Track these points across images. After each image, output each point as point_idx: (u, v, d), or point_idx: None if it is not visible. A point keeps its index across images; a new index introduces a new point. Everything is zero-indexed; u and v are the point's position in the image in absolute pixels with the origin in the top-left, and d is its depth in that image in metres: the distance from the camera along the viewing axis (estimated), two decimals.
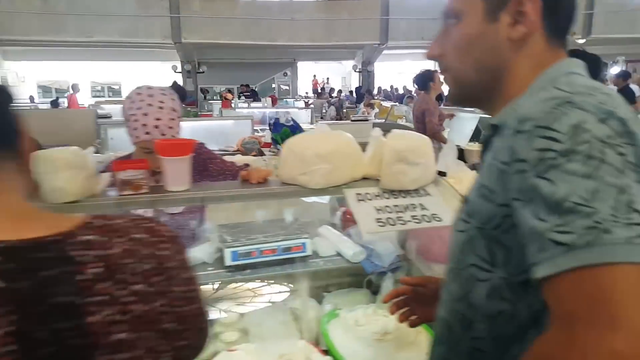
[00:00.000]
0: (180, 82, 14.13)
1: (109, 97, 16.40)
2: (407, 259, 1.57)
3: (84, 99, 14.22)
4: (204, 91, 13.68)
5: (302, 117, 7.38)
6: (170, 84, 2.47)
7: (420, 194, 1.33)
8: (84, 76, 16.65)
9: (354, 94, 13.34)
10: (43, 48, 13.08)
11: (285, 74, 16.88)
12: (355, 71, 16.06)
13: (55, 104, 9.78)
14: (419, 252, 1.53)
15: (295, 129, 3.11)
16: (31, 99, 11.63)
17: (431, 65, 5.47)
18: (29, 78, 16.63)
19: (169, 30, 11.37)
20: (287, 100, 13.88)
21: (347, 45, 13.72)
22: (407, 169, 1.29)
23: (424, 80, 4.63)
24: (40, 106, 11.31)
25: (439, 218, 1.27)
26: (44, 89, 16.69)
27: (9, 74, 15.84)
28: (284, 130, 3.09)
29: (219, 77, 15.56)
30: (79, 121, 5.52)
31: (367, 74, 15.35)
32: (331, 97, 13.78)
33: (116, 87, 17.22)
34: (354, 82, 16.20)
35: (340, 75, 19.46)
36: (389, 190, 1.31)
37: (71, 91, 11.48)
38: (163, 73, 14.74)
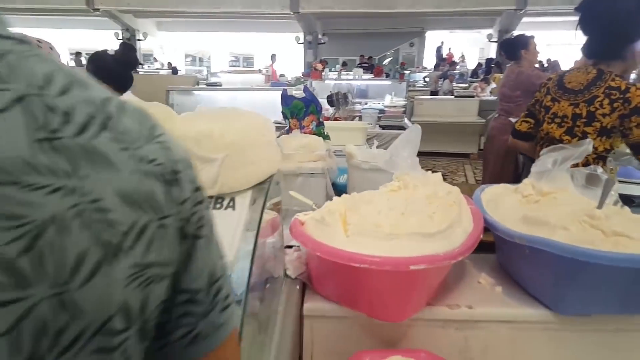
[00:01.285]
0: (301, 53, 14.27)
1: (244, 67, 17.27)
2: None
3: (223, 68, 15.25)
4: (324, 62, 13.52)
5: (391, 90, 6.74)
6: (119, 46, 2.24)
7: (219, 205, 0.84)
8: (223, 47, 17.80)
9: (483, 67, 11.96)
10: (189, 20, 14.11)
11: (411, 45, 15.84)
12: (489, 41, 14.34)
13: (175, 71, 10.44)
14: None
15: (309, 102, 2.66)
16: (169, 65, 12.62)
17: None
18: (179, 48, 18.32)
19: (288, 0, 11.29)
20: (408, 72, 13.06)
21: (478, 12, 12.22)
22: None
23: (514, 47, 3.69)
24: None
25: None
26: (191, 58, 18.25)
27: (164, 43, 17.61)
28: (294, 104, 2.67)
29: (341, 48, 15.26)
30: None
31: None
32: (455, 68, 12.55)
33: (250, 58, 18.07)
34: (493, 54, 14.53)
35: (479, 46, 17.65)
36: None
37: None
38: (288, 44, 15.00)
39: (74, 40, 16.20)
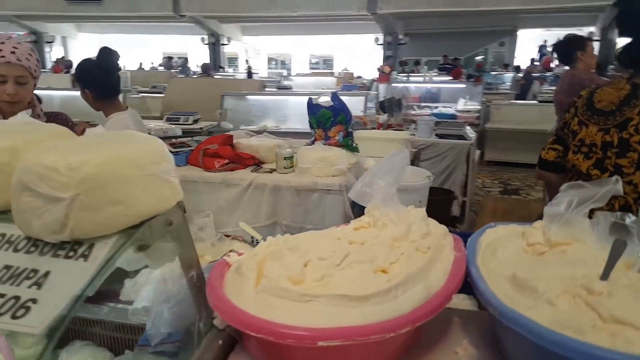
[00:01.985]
0: (380, 54, 13.98)
1: (324, 69, 17.37)
2: None
3: (303, 71, 15.47)
4: (403, 63, 13.13)
5: (466, 93, 6.29)
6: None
7: (72, 254, 0.72)
8: (303, 49, 18.06)
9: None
10: (270, 24, 14.50)
11: (501, 44, 14.88)
12: (590, 41, 12.98)
13: (249, 75, 10.70)
14: None
15: (338, 111, 2.49)
16: (249, 69, 12.99)
17: None
18: (262, 51, 18.94)
19: (365, 1, 11.11)
20: (494, 72, 12.23)
21: (575, 8, 11.11)
22: (38, 204, 0.71)
23: (568, 48, 3.23)
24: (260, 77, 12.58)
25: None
26: (271, 61, 18.76)
27: (248, 47, 18.28)
28: (322, 113, 2.51)
29: (423, 49, 14.74)
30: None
31: (607, 44, 12.22)
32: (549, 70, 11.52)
33: (330, 60, 18.15)
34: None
35: None
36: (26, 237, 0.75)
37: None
38: (367, 45, 14.78)
39: (167, 44, 17.40)
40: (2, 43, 1.55)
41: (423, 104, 6.64)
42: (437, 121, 4.16)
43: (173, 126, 3.26)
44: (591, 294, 0.78)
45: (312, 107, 2.47)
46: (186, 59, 13.96)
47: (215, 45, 14.12)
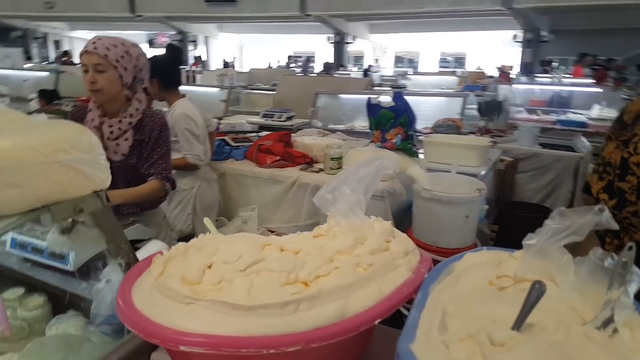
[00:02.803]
0: (518, 53, 12.94)
1: (455, 67, 16.70)
2: None
3: (431, 69, 15.05)
4: (545, 63, 11.98)
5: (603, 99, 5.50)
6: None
7: None
8: (433, 47, 17.55)
9: None
10: (399, 21, 14.39)
11: None
12: None
13: (366, 73, 10.70)
14: None
15: (401, 112, 2.40)
16: (369, 67, 13.03)
17: None
18: (389, 49, 18.85)
19: None
20: None
21: None
22: None
23: None
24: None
25: None
26: (397, 59, 18.56)
27: (375, 45, 18.35)
28: (382, 114, 2.44)
29: (571, 47, 13.28)
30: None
31: None
32: None
33: (462, 57, 17.36)
34: None
35: None
36: None
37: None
38: (504, 43, 13.80)
39: (296, 44, 18.29)
40: (92, 39, 1.71)
41: (549, 109, 6.00)
42: (543, 128, 3.73)
43: (243, 121, 3.42)
44: (492, 343, 0.66)
45: (372, 107, 2.40)
46: (308, 58, 14.49)
47: (339, 44, 14.44)
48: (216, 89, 5.14)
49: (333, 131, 3.39)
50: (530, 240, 0.91)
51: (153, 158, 1.77)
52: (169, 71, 2.37)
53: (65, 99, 4.92)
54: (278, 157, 2.36)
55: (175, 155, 2.18)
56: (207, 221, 1.18)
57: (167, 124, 1.84)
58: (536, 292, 0.70)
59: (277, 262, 0.89)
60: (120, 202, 1.69)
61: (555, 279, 0.84)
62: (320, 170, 2.31)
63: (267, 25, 15.30)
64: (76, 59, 11.47)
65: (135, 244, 1.25)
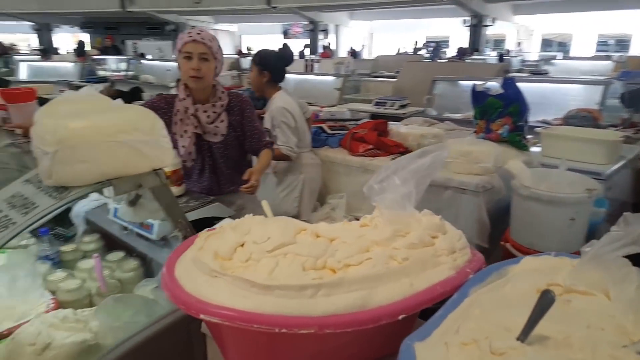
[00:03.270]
0: None
1: (615, 51, 14.80)
2: None
3: (589, 53, 13.52)
4: None
5: None
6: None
7: (55, 194, 0.98)
8: (589, 28, 15.70)
9: None
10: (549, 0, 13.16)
11: None
12: None
13: (502, 58, 9.94)
14: None
15: (511, 101, 2.26)
16: (507, 51, 12.13)
17: None
18: (536, 32, 17.31)
19: None
20: None
21: None
22: (40, 155, 1.00)
23: None
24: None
25: None
26: (545, 43, 16.97)
27: (519, 28, 17.00)
28: (489, 102, 2.31)
29: None
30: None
31: None
32: None
33: (625, 40, 15.26)
34: None
35: None
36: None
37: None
38: None
39: (432, 28, 17.74)
40: (194, 30, 1.88)
41: None
42: None
43: (345, 110, 3.45)
44: (492, 352, 0.62)
45: (477, 95, 2.26)
46: (437, 43, 13.94)
47: (476, 27, 13.64)
48: (332, 77, 5.25)
49: (444, 120, 3.26)
50: (588, 246, 0.82)
51: (251, 133, 1.97)
52: (280, 67, 2.54)
53: None
54: (371, 146, 2.36)
55: None
56: (264, 204, 1.25)
57: (249, 100, 2.03)
58: (545, 300, 0.63)
59: (307, 247, 0.92)
60: (261, 175, 1.91)
61: (610, 292, 0.74)
62: None
63: (398, 10, 15.07)
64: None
65: (215, 221, 1.38)
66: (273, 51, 2.62)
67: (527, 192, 1.72)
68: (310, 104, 4.73)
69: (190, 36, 1.81)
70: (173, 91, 6.53)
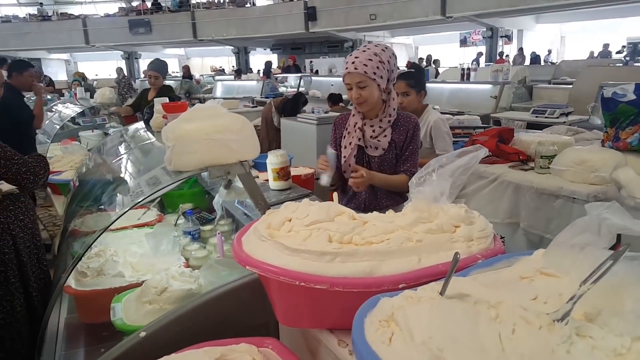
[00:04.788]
0: None
1: None
2: None
3: None
4: None
5: None
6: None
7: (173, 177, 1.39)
8: None
9: None
10: None
11: None
12: None
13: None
14: None
15: None
16: None
17: None
18: None
19: None
20: None
21: None
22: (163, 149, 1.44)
23: None
24: None
25: None
26: None
27: None
28: (620, 109, 2.19)
29: None
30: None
31: None
32: None
33: None
34: None
35: None
36: None
37: None
38: None
39: (635, 29, 15.56)
40: (353, 55, 1.89)
41: None
42: None
43: (475, 117, 3.41)
44: (418, 301, 0.80)
45: (607, 101, 2.12)
46: (635, 45, 12.14)
47: None
48: (488, 86, 5.15)
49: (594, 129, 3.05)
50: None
51: (405, 155, 1.99)
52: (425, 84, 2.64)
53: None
54: (489, 154, 2.39)
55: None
56: (335, 195, 1.51)
57: (419, 125, 2.04)
58: (454, 261, 0.76)
59: (338, 225, 1.16)
60: (378, 184, 1.97)
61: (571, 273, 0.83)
62: (531, 169, 2.22)
63: (597, 10, 13.62)
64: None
65: None
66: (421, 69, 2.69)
67: (632, 202, 1.63)
68: (462, 113, 4.77)
69: (347, 68, 1.88)
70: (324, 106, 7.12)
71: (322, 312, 1.14)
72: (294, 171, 3.87)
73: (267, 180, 1.98)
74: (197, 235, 2.08)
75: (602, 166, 1.91)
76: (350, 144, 2.01)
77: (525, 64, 12.49)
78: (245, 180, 1.37)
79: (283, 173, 1.90)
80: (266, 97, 8.00)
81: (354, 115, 2.04)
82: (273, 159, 1.88)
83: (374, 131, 1.97)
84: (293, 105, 6.46)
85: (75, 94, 5.65)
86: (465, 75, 5.59)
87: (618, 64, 9.18)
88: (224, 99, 8.33)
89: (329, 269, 1.05)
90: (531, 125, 4.26)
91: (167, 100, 2.39)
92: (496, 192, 2.28)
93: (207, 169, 1.33)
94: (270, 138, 6.74)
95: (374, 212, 1.30)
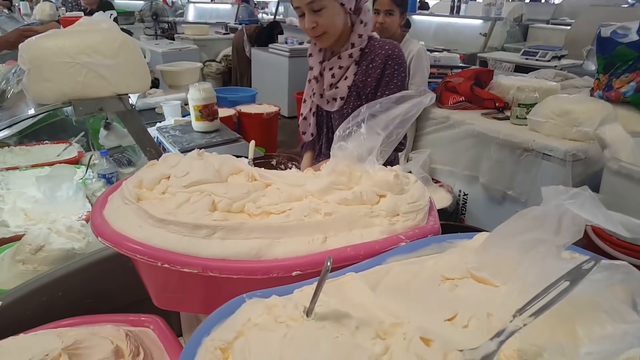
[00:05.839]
0: None
1: None
2: None
3: None
4: None
5: None
6: None
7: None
8: None
9: None
10: None
11: None
12: None
13: None
14: None
15: None
16: None
17: None
18: None
19: None
20: None
21: None
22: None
23: None
24: None
25: None
26: None
27: None
28: (618, 51, 1.91)
29: None
30: None
31: None
32: None
33: None
34: None
35: None
36: None
37: None
38: None
39: None
40: None
41: None
42: None
43: (454, 55, 3.09)
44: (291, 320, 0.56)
45: (604, 41, 1.83)
46: None
47: None
48: (478, 21, 4.76)
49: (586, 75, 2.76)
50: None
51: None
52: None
53: None
54: (462, 98, 2.11)
55: None
56: (251, 144, 1.23)
57: (401, 55, 1.50)
58: (325, 271, 0.52)
59: (227, 188, 0.89)
60: None
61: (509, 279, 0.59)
62: (506, 118, 1.96)
63: None
64: None
65: None
66: None
67: (616, 165, 1.38)
68: (449, 50, 4.42)
69: None
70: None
71: (199, 299, 0.90)
72: (256, 109, 3.55)
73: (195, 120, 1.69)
74: (115, 179, 1.81)
75: (587, 119, 1.65)
76: (310, 97, 1.56)
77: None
78: (128, 120, 1.09)
79: (207, 112, 1.60)
80: (239, 24, 7.46)
81: (310, 55, 1.56)
82: (195, 94, 1.56)
83: (333, 76, 1.48)
84: (268, 34, 6.02)
85: (20, 9, 5.12)
86: (455, 9, 5.12)
87: (624, 5, 8.71)
88: (193, 23, 7.77)
89: (203, 248, 0.81)
90: (520, 69, 3.94)
91: None
92: (461, 142, 2.02)
93: (70, 103, 1.04)
94: (241, 70, 6.33)
95: (291, 170, 1.04)
